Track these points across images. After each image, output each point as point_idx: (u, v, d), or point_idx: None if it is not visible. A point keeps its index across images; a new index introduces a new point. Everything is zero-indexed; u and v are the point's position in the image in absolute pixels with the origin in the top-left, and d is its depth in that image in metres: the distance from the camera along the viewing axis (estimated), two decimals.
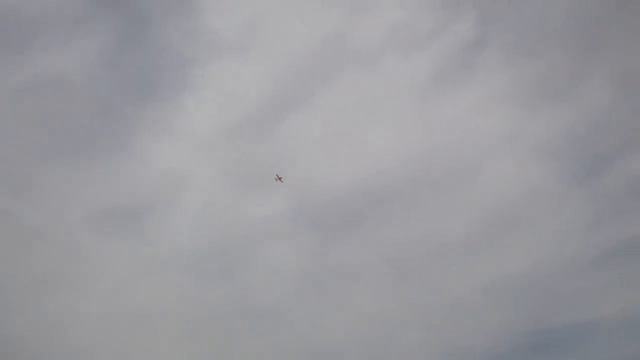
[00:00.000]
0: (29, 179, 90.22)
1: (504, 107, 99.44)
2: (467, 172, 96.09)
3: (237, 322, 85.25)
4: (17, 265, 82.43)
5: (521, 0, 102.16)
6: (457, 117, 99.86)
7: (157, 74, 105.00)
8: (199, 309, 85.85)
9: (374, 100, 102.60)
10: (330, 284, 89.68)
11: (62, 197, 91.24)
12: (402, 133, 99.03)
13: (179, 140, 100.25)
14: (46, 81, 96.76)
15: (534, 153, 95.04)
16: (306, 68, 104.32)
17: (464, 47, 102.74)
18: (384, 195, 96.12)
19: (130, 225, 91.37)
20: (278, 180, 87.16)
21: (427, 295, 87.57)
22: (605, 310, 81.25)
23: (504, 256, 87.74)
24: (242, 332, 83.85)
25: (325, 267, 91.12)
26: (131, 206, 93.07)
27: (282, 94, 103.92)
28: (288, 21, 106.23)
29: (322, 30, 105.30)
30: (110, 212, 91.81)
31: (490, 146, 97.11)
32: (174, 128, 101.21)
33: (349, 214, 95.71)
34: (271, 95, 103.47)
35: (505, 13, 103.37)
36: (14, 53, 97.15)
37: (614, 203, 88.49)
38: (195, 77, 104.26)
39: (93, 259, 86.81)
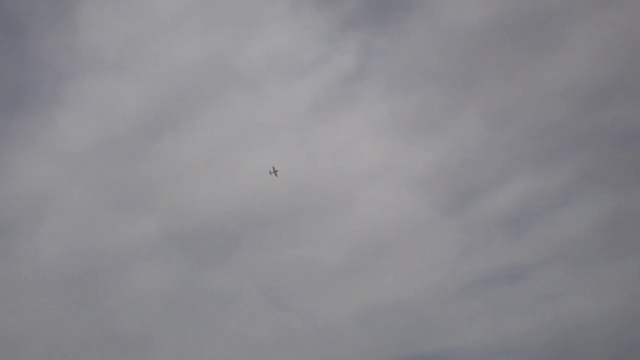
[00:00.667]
0: None
1: (382, 138, 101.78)
2: (344, 199, 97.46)
3: (100, 348, 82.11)
4: None
5: (401, 37, 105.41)
6: (336, 145, 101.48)
7: (30, 87, 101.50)
8: (61, 334, 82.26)
9: (254, 124, 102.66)
10: (202, 309, 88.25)
11: None
12: (281, 158, 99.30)
13: (48, 157, 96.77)
14: None
15: (408, 184, 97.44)
16: (187, 88, 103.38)
17: (345, 78, 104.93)
18: (260, 220, 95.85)
19: None
20: (274, 173, 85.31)
21: (300, 321, 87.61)
22: (471, 337, 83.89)
23: (376, 283, 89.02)
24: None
25: (199, 291, 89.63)
26: None
27: (161, 113, 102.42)
28: (170, 40, 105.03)
29: (205, 52, 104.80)
30: None
31: (367, 175, 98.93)
32: (44, 143, 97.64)
33: (225, 238, 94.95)
34: (149, 115, 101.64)
35: (386, 48, 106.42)
36: None
37: (481, 234, 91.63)
38: (70, 92, 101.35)
39: None
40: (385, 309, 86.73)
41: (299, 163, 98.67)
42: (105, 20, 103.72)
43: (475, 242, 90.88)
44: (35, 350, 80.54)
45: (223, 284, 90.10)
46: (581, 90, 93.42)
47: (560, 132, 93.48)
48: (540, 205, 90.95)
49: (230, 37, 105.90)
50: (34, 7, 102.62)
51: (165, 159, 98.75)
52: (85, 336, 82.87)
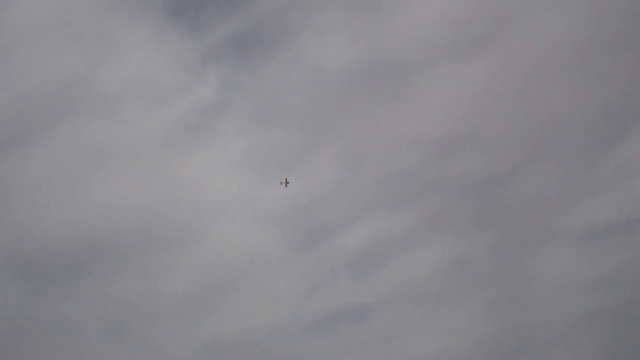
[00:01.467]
0: None
1: (238, 172, 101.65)
2: (196, 232, 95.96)
3: None
4: None
5: (264, 73, 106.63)
6: (191, 177, 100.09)
7: None
8: None
9: (108, 149, 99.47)
10: (40, 340, 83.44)
11: None
12: (132, 186, 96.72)
13: None
14: None
15: (261, 219, 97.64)
16: (34, 107, 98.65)
17: (204, 109, 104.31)
18: (107, 249, 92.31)
19: None
20: (285, 184, 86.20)
21: (143, 356, 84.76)
22: None
23: (223, 318, 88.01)
24: None
25: (37, 320, 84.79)
26: None
27: (5, 129, 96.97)
28: (21, 54, 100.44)
29: (59, 71, 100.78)
30: None
31: (221, 208, 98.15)
32: None
33: (68, 265, 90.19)
34: None
35: (248, 83, 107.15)
36: None
37: (329, 273, 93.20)
38: None
39: None
40: (230, 344, 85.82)
41: (152, 192, 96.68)
42: None
43: (323, 281, 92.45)
44: None
45: (63, 314, 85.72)
46: (431, 139, 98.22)
47: (409, 178, 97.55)
48: (387, 247, 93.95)
49: (88, 58, 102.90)
50: None
51: (7, 177, 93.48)
52: None
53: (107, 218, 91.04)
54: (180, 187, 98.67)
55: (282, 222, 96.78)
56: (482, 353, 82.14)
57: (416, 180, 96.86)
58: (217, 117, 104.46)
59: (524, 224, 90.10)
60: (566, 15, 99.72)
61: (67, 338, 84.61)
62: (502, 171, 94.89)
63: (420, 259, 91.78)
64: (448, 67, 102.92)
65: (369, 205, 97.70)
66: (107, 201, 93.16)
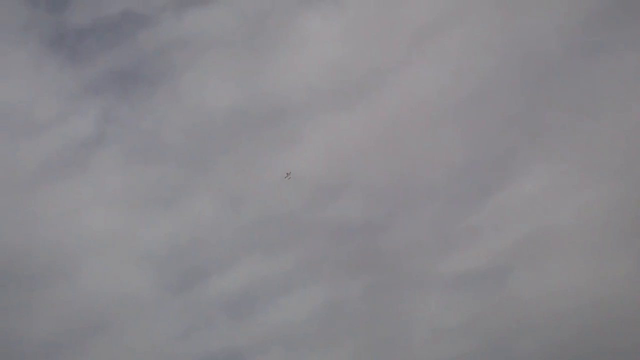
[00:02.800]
0: None
1: (113, 209, 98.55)
2: (64, 269, 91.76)
3: None
4: None
5: (144, 110, 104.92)
6: (62, 211, 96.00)
7: None
8: None
9: None
10: None
11: None
12: None
13: None
14: None
15: (136, 259, 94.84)
16: None
17: (81, 143, 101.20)
18: None
19: None
20: (287, 177, 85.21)
21: None
22: None
23: None
24: None
25: None
26: None
27: None
28: None
29: None
30: None
31: (93, 246, 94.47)
32: None
33: None
34: None
35: (128, 119, 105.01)
36: None
37: (204, 316, 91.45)
38: None
39: None
40: None
41: (19, 226, 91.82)
42: None
43: (199, 324, 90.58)
44: None
45: None
46: (311, 183, 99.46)
47: (288, 221, 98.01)
48: (264, 291, 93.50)
49: None
50: None
51: None
52: None
53: None
54: (49, 222, 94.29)
55: (158, 262, 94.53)
56: None
57: (295, 224, 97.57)
58: (94, 151, 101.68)
59: (398, 269, 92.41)
60: (441, 70, 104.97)
61: None
62: (379, 217, 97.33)
63: (296, 302, 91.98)
64: (329, 112, 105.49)
65: (247, 248, 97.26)
66: None
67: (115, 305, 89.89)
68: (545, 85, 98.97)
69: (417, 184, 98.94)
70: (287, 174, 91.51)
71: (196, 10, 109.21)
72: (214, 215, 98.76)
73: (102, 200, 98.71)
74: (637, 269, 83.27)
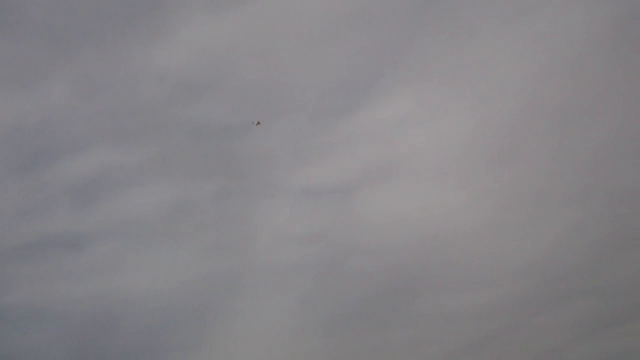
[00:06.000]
0: None
1: None
2: None
3: None
4: None
5: None
6: None
7: None
8: None
9: None
10: None
11: None
12: None
13: None
14: None
15: None
16: None
17: None
18: None
19: None
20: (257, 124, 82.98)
21: None
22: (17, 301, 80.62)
23: None
24: None
25: None
26: None
27: None
28: None
29: None
30: None
31: None
32: None
33: None
34: None
35: None
36: None
37: (47, 198, 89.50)
38: None
39: None
40: None
41: None
42: None
43: (39, 205, 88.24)
44: None
45: None
46: (176, 79, 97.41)
47: (146, 114, 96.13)
48: (113, 181, 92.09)
49: None
50: None
51: None
52: None
53: None
54: None
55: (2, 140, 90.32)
56: (195, 292, 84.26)
57: (153, 118, 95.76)
58: None
59: (251, 177, 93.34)
60: None
61: None
62: (240, 123, 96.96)
63: (144, 196, 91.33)
64: (206, 12, 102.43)
65: (100, 136, 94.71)
66: None
67: None
68: (422, 12, 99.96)
69: (283, 97, 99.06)
70: (257, 122, 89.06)
71: None
72: (68, 99, 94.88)
73: None
74: (478, 204, 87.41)
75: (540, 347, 79.16)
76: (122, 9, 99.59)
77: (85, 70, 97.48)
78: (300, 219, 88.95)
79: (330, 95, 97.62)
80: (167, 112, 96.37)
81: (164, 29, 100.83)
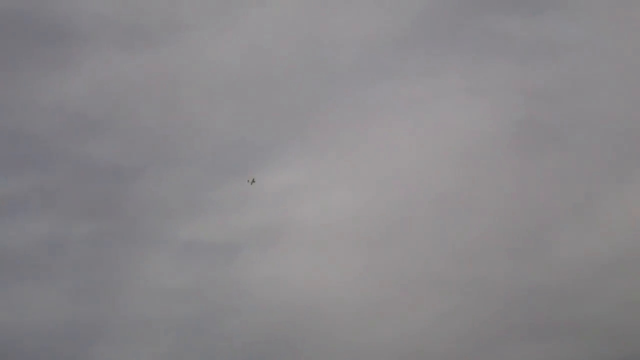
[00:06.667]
0: None
1: None
2: None
3: None
4: None
5: None
6: None
7: None
8: None
9: None
10: None
11: None
12: None
13: None
14: None
15: None
16: None
17: None
18: None
19: None
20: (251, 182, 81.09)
21: None
22: None
23: None
24: None
25: None
26: None
27: None
28: None
29: None
30: None
31: None
32: None
33: None
34: None
35: None
36: None
37: None
38: None
39: None
40: None
41: None
42: None
43: None
44: None
45: None
46: (71, 111, 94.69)
47: (34, 144, 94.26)
48: None
49: None
50: None
51: None
52: None
53: None
54: None
55: None
56: (55, 335, 79.96)
57: (40, 149, 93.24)
58: None
59: (135, 223, 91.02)
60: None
61: None
62: (133, 165, 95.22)
63: (19, 228, 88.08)
64: (112, 49, 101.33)
65: None
66: None
67: None
68: (330, 86, 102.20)
69: (179, 146, 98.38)
70: (252, 180, 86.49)
71: None
72: None
73: None
74: (357, 280, 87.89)
75: None
76: (24, 34, 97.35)
77: None
78: (177, 273, 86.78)
79: (228, 152, 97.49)
80: (58, 144, 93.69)
81: (67, 59, 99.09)
